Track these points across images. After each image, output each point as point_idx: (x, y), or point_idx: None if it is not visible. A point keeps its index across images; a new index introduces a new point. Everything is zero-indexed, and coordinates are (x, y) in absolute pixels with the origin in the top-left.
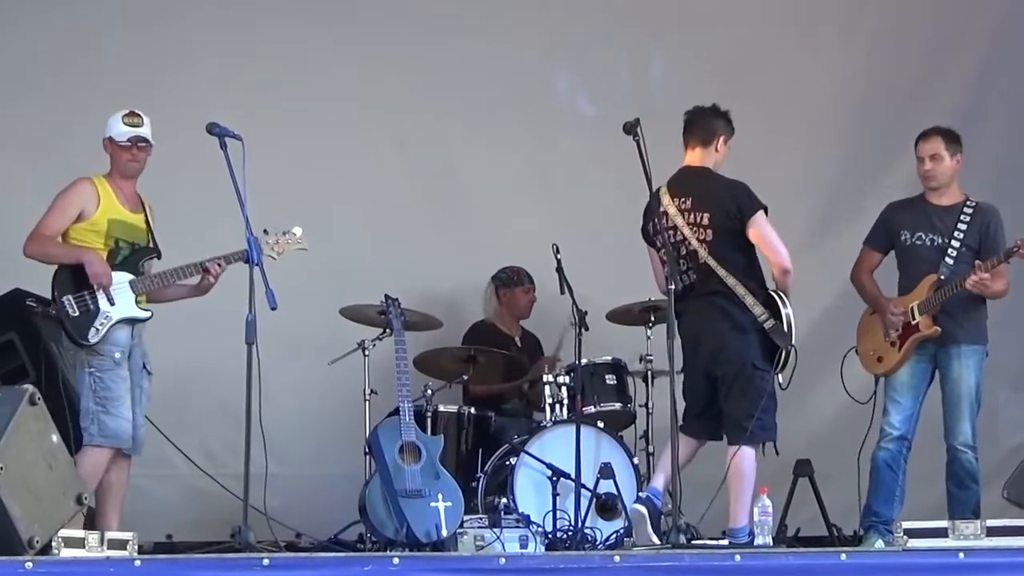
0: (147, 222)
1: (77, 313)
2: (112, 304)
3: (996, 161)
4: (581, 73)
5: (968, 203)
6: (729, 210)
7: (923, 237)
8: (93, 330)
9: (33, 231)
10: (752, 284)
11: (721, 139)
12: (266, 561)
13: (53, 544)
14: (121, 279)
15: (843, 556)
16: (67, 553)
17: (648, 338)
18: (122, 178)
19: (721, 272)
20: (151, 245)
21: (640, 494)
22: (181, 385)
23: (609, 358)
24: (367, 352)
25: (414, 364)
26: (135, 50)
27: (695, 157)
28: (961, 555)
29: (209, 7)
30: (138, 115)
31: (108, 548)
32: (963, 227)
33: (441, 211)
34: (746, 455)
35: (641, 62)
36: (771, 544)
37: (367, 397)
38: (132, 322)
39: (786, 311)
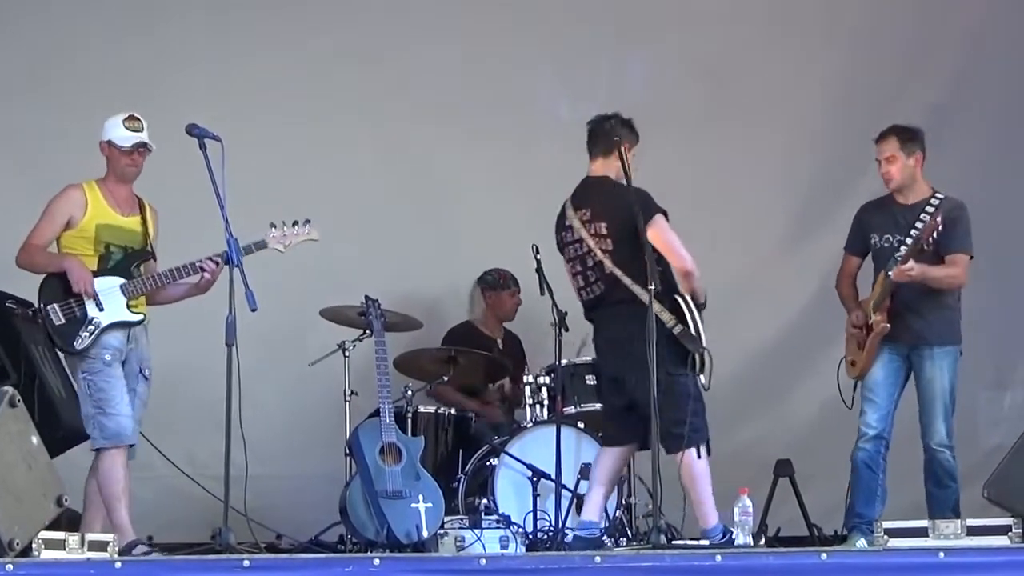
0: (143, 224)
1: (63, 321)
2: (101, 309)
3: (976, 160)
4: (563, 76)
5: (934, 198)
6: (625, 218)
7: (890, 239)
8: (79, 337)
9: (24, 241)
10: (663, 288)
11: (623, 148)
12: (246, 562)
13: (33, 546)
14: (111, 284)
15: (824, 556)
16: (47, 555)
17: None
18: (118, 182)
19: (626, 281)
20: (146, 248)
21: (568, 531)
22: (161, 387)
23: (589, 359)
24: (347, 353)
25: (394, 365)
26: (122, 54)
27: (597, 167)
28: (941, 554)
29: (195, 14)
30: (138, 119)
31: (88, 550)
32: (920, 225)
33: (422, 212)
34: (691, 459)
35: (622, 65)
36: (752, 544)
37: (347, 398)
38: (124, 326)
39: (691, 315)
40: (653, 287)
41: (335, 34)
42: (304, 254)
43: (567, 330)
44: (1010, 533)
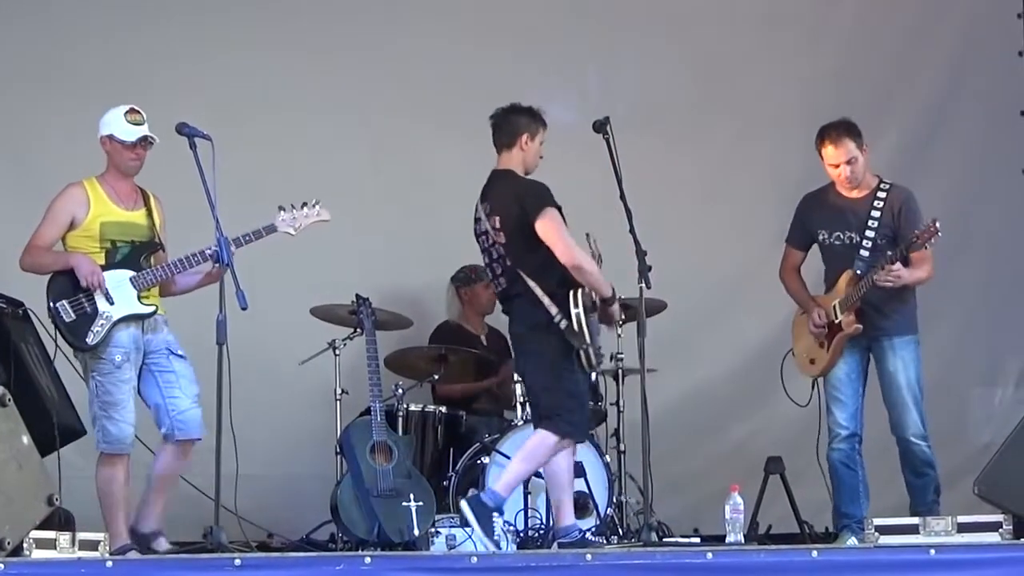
0: (149, 217)
1: (73, 317)
2: (111, 303)
3: (966, 160)
4: (553, 75)
5: (881, 188)
6: (513, 211)
7: (840, 236)
8: (91, 333)
9: (27, 244)
10: (551, 284)
11: (525, 137)
12: (238, 561)
13: (24, 545)
14: (120, 277)
15: (814, 553)
16: (38, 554)
17: (619, 336)
18: (119, 176)
19: (523, 274)
20: (153, 240)
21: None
22: None
23: None
24: (338, 352)
25: (385, 364)
26: (116, 52)
27: (502, 160)
28: (932, 551)
29: (191, 13)
30: (139, 112)
31: (79, 549)
32: (876, 216)
33: (412, 211)
34: (540, 437)
35: (612, 64)
36: (743, 541)
37: (338, 397)
38: (136, 319)
39: (576, 311)
40: (643, 284)
41: (325, 34)
42: (293, 253)
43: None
44: (1000, 530)
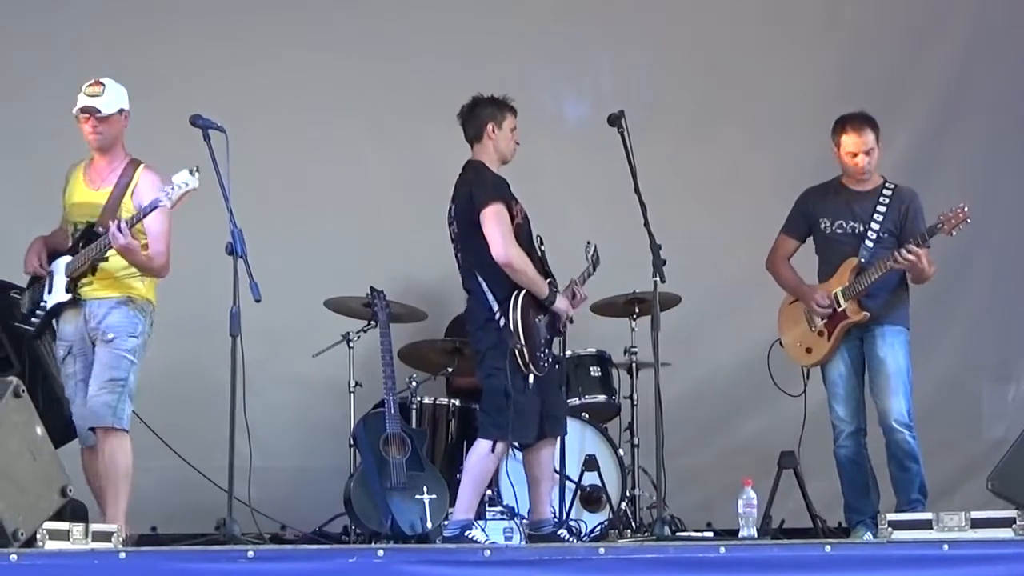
0: (118, 195)
1: (28, 307)
2: (50, 292)
3: (976, 156)
4: (561, 70)
5: (886, 186)
6: (465, 203)
7: (843, 225)
8: (34, 320)
9: None
10: (502, 282)
11: (491, 127)
12: (251, 553)
13: (38, 536)
14: (61, 264)
15: (828, 548)
16: (52, 545)
17: (633, 330)
18: (97, 154)
19: (473, 268)
20: (91, 221)
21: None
22: (166, 377)
23: (593, 350)
24: (352, 344)
25: (399, 356)
26: (128, 50)
27: (474, 152)
28: (945, 547)
29: (196, 12)
30: (99, 83)
31: (93, 540)
32: (882, 210)
33: (425, 203)
34: (482, 448)
35: (620, 59)
36: (756, 536)
37: (352, 389)
38: (69, 308)
39: (515, 314)
40: (657, 279)
41: (338, 29)
42: (307, 245)
43: (571, 321)
44: (1014, 526)
